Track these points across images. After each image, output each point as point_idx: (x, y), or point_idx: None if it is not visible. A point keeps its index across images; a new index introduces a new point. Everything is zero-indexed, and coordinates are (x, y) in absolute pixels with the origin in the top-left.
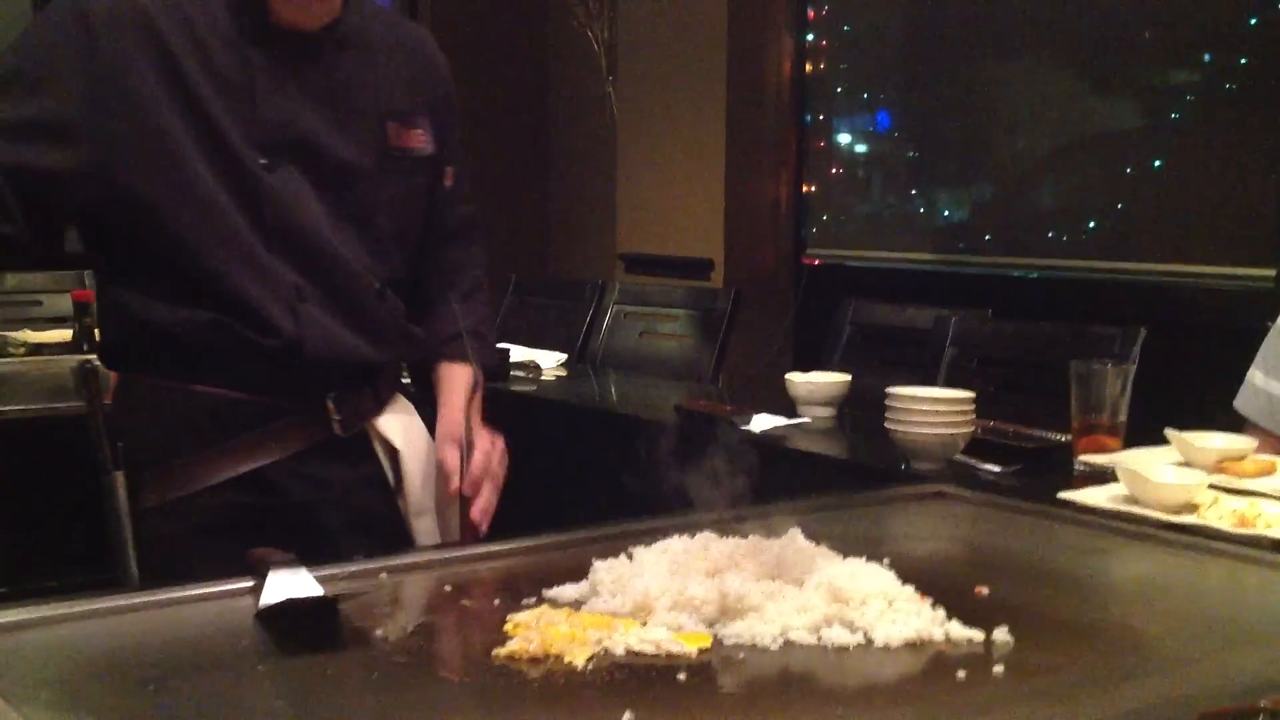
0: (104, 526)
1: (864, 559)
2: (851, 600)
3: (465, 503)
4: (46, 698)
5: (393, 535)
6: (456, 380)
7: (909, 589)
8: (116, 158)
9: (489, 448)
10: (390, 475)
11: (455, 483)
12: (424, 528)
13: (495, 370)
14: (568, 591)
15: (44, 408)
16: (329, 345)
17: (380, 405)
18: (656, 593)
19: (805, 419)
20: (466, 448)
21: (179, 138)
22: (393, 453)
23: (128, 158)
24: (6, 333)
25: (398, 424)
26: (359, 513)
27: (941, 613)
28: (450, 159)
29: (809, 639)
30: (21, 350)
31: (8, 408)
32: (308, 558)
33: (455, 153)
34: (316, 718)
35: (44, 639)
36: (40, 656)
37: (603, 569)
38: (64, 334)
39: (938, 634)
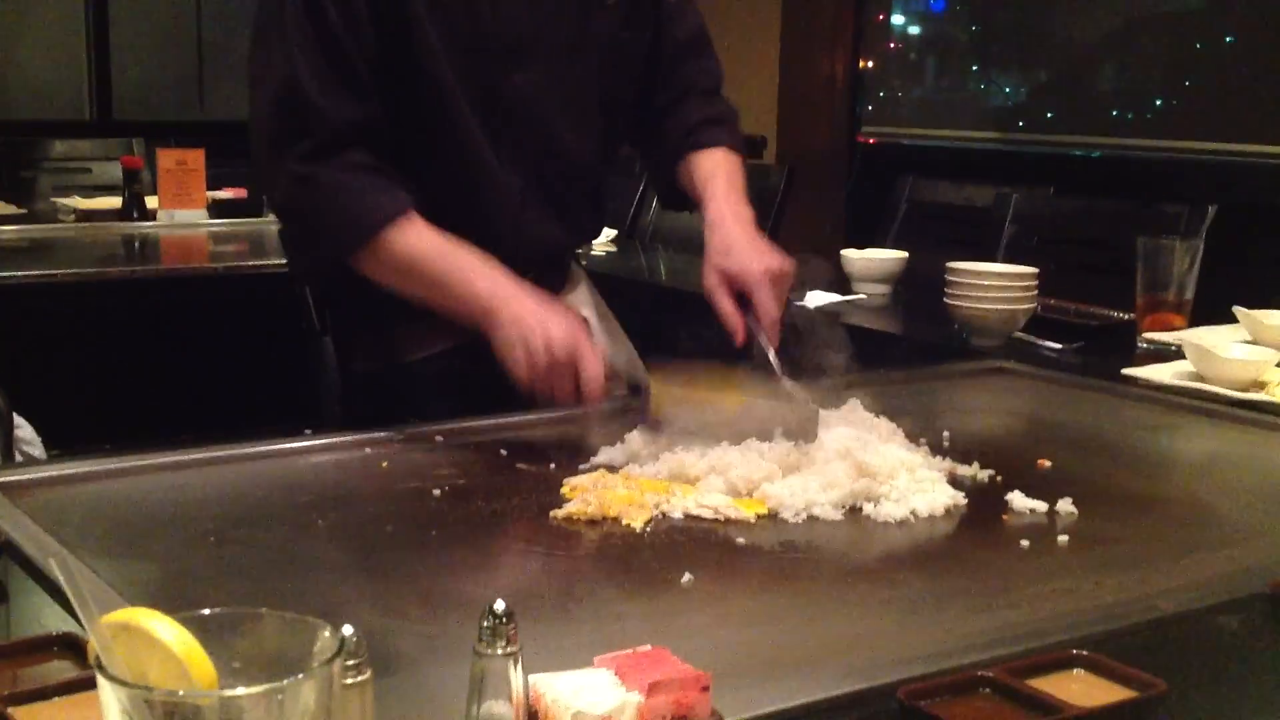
0: (313, 385)
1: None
2: (879, 474)
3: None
4: (108, 547)
5: None
6: (714, 171)
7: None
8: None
9: (771, 286)
10: None
11: (740, 338)
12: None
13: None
14: (615, 455)
15: (94, 272)
16: (537, 244)
17: (568, 280)
18: (705, 460)
19: (861, 295)
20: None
21: (436, 55)
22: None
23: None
24: (56, 199)
25: (582, 296)
26: None
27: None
28: None
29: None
30: (71, 217)
31: (58, 271)
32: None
33: None
34: (378, 572)
35: (105, 491)
36: (103, 507)
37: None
38: (113, 201)
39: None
